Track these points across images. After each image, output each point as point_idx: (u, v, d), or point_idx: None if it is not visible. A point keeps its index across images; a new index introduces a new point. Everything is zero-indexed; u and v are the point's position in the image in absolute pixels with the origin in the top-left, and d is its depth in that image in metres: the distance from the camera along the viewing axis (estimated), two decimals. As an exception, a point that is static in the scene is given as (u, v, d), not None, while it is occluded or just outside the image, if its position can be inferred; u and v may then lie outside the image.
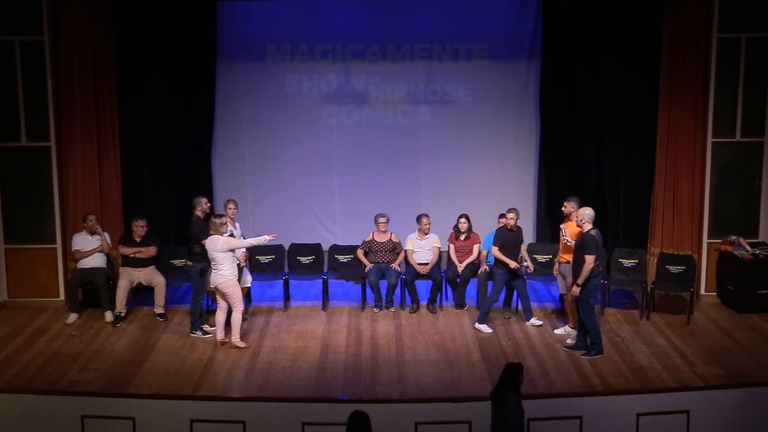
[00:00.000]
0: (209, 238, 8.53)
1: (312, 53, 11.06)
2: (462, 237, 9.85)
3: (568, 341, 8.68)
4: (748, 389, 7.58)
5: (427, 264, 9.79)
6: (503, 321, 9.44)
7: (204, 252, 8.73)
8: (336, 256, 10.19)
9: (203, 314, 9.13)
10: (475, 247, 9.80)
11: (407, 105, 11.25)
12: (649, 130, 10.18)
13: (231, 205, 9.37)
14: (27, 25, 9.49)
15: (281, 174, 11.28)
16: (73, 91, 9.71)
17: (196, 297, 8.95)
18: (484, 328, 9.07)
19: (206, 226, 8.68)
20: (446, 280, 9.84)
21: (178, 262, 9.75)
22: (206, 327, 9.01)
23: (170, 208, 10.60)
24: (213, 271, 8.57)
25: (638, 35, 10.13)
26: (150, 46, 10.26)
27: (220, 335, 8.71)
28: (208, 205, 9.21)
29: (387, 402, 7.36)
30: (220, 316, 8.71)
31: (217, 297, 8.72)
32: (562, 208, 9.02)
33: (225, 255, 8.45)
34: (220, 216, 8.62)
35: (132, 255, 9.53)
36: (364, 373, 7.98)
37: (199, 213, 9.02)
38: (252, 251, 9.90)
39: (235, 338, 8.65)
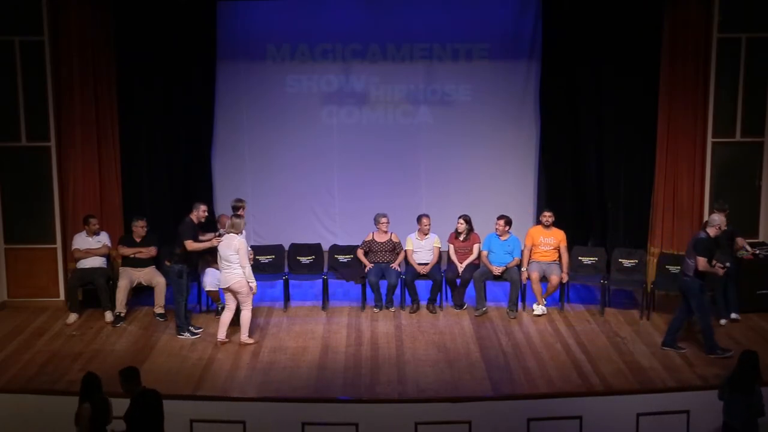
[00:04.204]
0: (226, 236, 8.60)
1: (312, 53, 11.06)
2: (461, 237, 9.85)
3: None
4: (748, 389, 7.57)
5: (427, 264, 9.79)
6: (503, 321, 9.44)
7: (184, 254, 8.79)
8: (336, 256, 10.19)
9: (188, 314, 9.10)
10: (475, 248, 9.82)
11: (407, 105, 11.25)
12: (649, 130, 10.18)
13: (240, 204, 9.38)
14: (27, 25, 9.49)
15: (281, 174, 11.28)
16: (73, 91, 9.71)
17: (177, 298, 8.91)
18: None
19: (192, 231, 8.84)
20: (446, 280, 9.84)
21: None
22: (192, 328, 9.00)
23: (170, 209, 10.59)
24: (225, 271, 8.58)
25: (638, 35, 10.13)
26: (150, 46, 10.27)
27: (221, 336, 8.70)
28: (206, 214, 9.19)
29: (387, 402, 7.37)
30: (227, 316, 8.74)
31: (227, 296, 8.74)
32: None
33: (236, 256, 8.49)
34: (241, 216, 8.78)
35: (132, 255, 9.53)
36: (364, 373, 7.98)
37: (193, 217, 9.01)
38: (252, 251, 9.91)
39: (244, 336, 8.69)
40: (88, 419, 6.06)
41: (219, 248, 8.64)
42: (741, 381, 6.57)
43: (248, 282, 8.59)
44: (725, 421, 6.71)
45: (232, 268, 8.54)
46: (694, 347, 8.55)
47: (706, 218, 9.91)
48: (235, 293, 8.62)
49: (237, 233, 8.56)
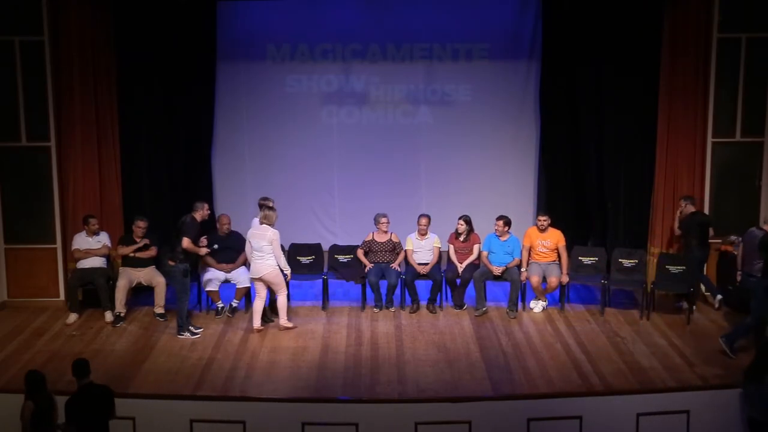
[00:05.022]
0: (259, 227, 8.90)
1: (312, 53, 11.07)
2: (461, 238, 9.85)
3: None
4: (748, 389, 7.58)
5: (426, 264, 9.79)
6: (503, 321, 9.44)
7: (187, 253, 8.78)
8: (336, 256, 10.19)
9: (189, 314, 9.11)
10: (475, 248, 9.82)
11: (407, 105, 11.25)
12: (649, 130, 10.19)
13: (268, 203, 9.43)
14: (27, 25, 9.49)
15: (281, 174, 11.28)
16: (73, 91, 9.71)
17: (181, 298, 8.92)
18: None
19: (195, 230, 8.88)
20: (446, 280, 9.84)
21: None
22: (192, 328, 9.01)
23: (170, 208, 10.57)
24: (258, 261, 8.88)
25: (638, 35, 10.13)
26: (150, 46, 10.26)
27: (257, 324, 8.99)
28: (208, 212, 9.22)
29: (387, 402, 7.37)
30: (259, 304, 9.06)
31: (258, 285, 9.02)
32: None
33: (270, 247, 8.79)
34: (273, 209, 9.02)
35: (132, 254, 9.52)
36: (364, 373, 7.98)
37: (197, 216, 9.02)
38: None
39: (283, 320, 9.05)
40: (29, 417, 6.21)
41: (251, 239, 8.97)
42: (755, 371, 6.57)
43: (283, 270, 8.94)
44: (749, 416, 6.71)
45: (265, 258, 8.86)
46: (694, 347, 8.56)
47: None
48: (268, 283, 8.95)
49: (270, 225, 8.88)
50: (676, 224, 9.81)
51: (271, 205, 9.33)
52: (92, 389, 6.44)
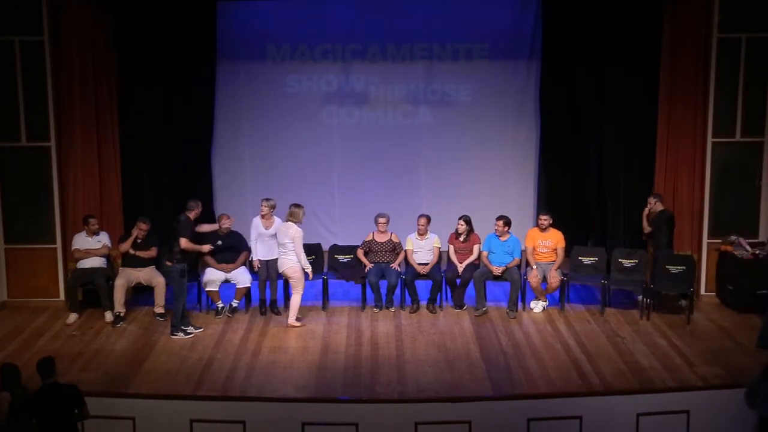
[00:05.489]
0: (284, 224, 9.09)
1: (312, 53, 11.07)
2: (461, 238, 9.85)
3: None
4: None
5: (426, 264, 9.79)
6: (503, 321, 9.44)
7: (184, 252, 8.83)
8: (336, 256, 10.19)
9: (185, 315, 9.11)
10: (475, 248, 9.82)
11: (407, 105, 11.26)
12: (649, 130, 10.19)
13: (264, 204, 9.53)
14: (27, 25, 9.48)
15: (281, 174, 11.29)
16: (73, 91, 9.71)
17: (178, 298, 8.91)
18: None
19: (190, 229, 8.92)
20: (446, 280, 9.84)
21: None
22: (189, 328, 8.99)
23: (170, 209, 10.54)
24: (282, 257, 9.07)
25: (638, 35, 10.14)
26: (150, 46, 10.26)
27: (291, 320, 9.20)
28: (200, 209, 9.24)
29: (387, 402, 7.36)
30: (296, 299, 9.22)
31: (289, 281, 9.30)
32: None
33: (292, 244, 8.94)
34: (302, 207, 9.14)
35: (132, 252, 9.50)
36: (364, 373, 7.98)
37: (191, 215, 9.03)
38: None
39: (291, 319, 9.14)
40: (6, 408, 6.13)
41: (277, 234, 9.20)
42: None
43: (304, 268, 9.06)
44: (761, 415, 6.65)
45: (288, 254, 9.03)
46: (694, 347, 8.56)
47: (706, 218, 9.96)
48: (288, 278, 9.13)
49: (296, 222, 9.03)
50: (645, 222, 9.83)
51: (274, 204, 9.49)
52: (56, 389, 6.28)
